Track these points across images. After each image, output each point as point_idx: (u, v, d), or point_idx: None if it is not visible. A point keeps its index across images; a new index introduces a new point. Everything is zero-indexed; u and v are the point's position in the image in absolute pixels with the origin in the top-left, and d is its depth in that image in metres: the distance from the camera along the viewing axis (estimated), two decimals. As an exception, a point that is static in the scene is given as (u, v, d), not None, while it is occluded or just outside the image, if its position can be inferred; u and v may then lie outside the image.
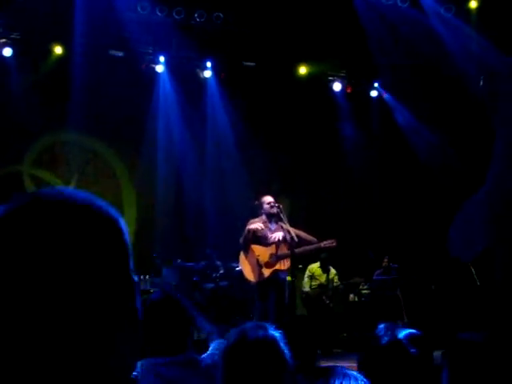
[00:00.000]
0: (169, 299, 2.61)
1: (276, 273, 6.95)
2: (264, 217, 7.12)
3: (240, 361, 1.86)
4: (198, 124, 11.50)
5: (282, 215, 6.95)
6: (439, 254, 10.46)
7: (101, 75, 10.40)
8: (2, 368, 0.71)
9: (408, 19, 10.48)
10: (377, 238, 11.19)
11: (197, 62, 11.27)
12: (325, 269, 10.20)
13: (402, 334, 1.96)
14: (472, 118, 10.50)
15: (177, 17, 10.34)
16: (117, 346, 0.75)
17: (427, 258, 10.52)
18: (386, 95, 12.17)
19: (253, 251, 7.03)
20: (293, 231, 6.83)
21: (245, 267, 7.10)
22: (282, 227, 6.99)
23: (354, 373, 1.35)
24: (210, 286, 9.70)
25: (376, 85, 12.17)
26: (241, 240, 7.11)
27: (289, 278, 7.24)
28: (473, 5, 10.60)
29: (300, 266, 9.90)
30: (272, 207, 7.03)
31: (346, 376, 1.31)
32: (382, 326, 2.06)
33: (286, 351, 1.92)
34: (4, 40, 9.96)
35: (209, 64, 11.19)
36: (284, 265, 6.97)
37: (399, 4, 10.62)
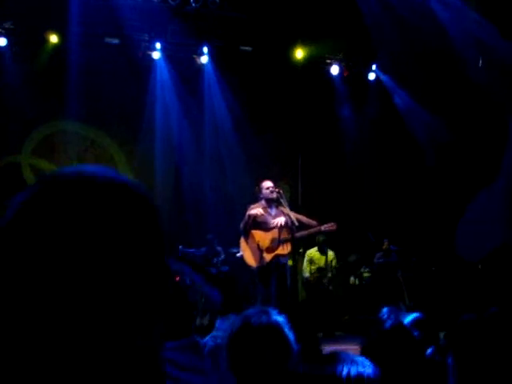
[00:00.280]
0: (173, 284, 2.63)
1: (277, 257, 6.97)
2: (264, 202, 7.12)
3: (244, 347, 1.86)
4: (195, 110, 11.46)
5: (282, 200, 6.95)
6: (439, 236, 10.48)
7: (97, 63, 10.36)
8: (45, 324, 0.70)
9: (407, 0, 10.40)
10: (376, 220, 11.20)
11: (193, 47, 11.21)
12: (322, 252, 10.25)
13: (407, 319, 1.96)
14: (471, 99, 10.47)
15: (172, 3, 10.25)
16: (149, 328, 0.75)
17: (427, 239, 10.55)
18: (384, 77, 12.12)
19: (253, 236, 7.03)
20: (293, 215, 6.84)
21: (245, 252, 7.11)
22: (282, 212, 6.99)
23: (361, 358, 1.35)
24: (213, 271, 9.76)
25: (374, 67, 12.11)
26: (241, 225, 7.11)
27: (290, 263, 7.26)
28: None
29: (301, 251, 9.93)
30: (272, 192, 7.02)
31: (353, 362, 1.31)
32: (385, 309, 2.06)
33: (291, 336, 1.92)
34: (-2, 30, 9.90)
35: (205, 49, 11.12)
36: (285, 249, 6.98)
37: (397, -15, 10.54)
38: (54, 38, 10.25)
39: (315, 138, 11.89)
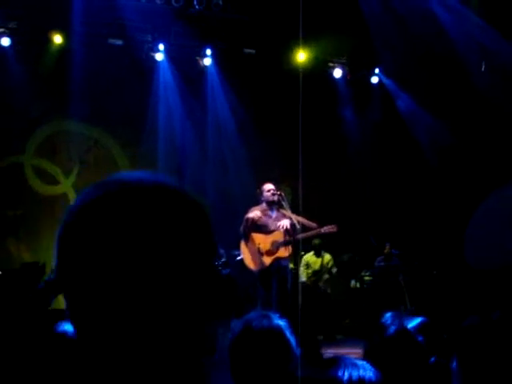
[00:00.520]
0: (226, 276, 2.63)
1: (277, 260, 6.95)
2: (264, 204, 7.11)
3: (246, 352, 1.86)
4: (198, 111, 11.45)
5: (283, 202, 6.94)
6: (441, 240, 10.46)
7: (100, 64, 10.36)
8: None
9: (410, 4, 10.39)
10: (378, 224, 11.18)
11: (197, 49, 11.21)
12: (318, 254, 10.25)
13: (411, 324, 1.95)
14: (474, 103, 10.45)
15: (176, 4, 10.26)
16: (202, 324, 0.83)
17: (429, 243, 10.52)
18: (387, 81, 12.11)
19: (253, 239, 7.02)
20: (294, 218, 6.83)
21: (246, 255, 7.10)
22: (283, 214, 6.98)
23: (362, 362, 1.34)
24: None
25: (377, 71, 12.10)
26: (241, 229, 7.10)
27: (291, 266, 7.24)
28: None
29: (302, 253, 9.92)
30: (273, 195, 7.02)
31: (354, 366, 1.30)
32: (388, 314, 2.05)
33: (292, 340, 1.91)
34: (1, 30, 9.90)
35: (209, 51, 11.12)
36: (285, 252, 6.97)
37: (400, -11, 10.53)
38: (57, 39, 10.25)
39: (318, 141, 11.86)
